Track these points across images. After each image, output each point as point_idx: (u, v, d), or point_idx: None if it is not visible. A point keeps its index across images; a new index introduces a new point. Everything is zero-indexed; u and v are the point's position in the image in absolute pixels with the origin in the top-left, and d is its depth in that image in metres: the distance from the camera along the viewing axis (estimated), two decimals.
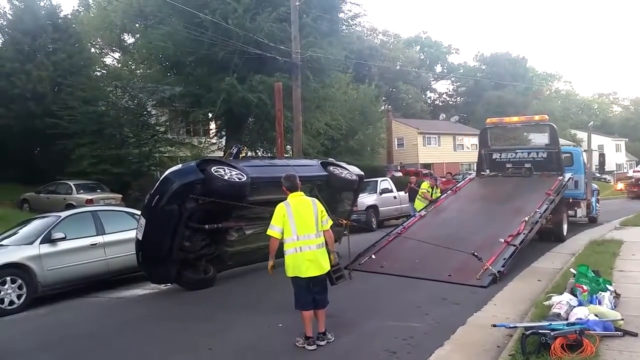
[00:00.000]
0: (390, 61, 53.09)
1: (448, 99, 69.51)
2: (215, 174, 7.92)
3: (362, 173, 11.54)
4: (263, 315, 6.57)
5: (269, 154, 23.47)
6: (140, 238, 8.10)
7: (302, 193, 5.54)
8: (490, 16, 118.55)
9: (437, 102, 69.18)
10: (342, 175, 10.31)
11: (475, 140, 33.11)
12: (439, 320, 5.97)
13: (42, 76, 22.51)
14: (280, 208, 5.34)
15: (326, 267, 5.35)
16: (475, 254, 8.06)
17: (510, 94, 55.50)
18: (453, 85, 67.73)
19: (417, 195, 14.06)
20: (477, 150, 14.64)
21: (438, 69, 67.58)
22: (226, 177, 7.99)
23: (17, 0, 25.06)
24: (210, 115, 24.48)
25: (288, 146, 22.46)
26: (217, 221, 8.35)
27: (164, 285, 8.93)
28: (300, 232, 5.23)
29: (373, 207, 16.94)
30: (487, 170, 13.77)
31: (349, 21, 26.52)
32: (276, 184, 9.07)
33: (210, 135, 27.93)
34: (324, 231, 5.36)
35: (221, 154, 24.71)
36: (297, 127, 18.31)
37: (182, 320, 6.74)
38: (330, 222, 5.50)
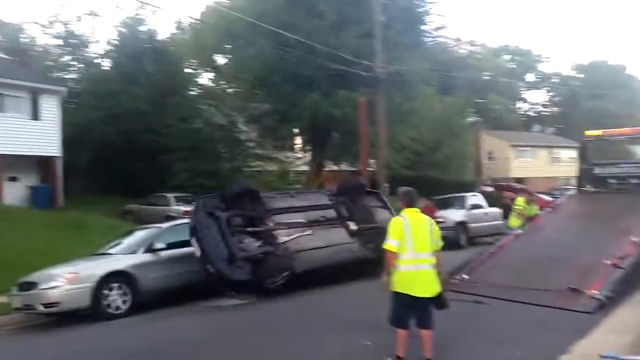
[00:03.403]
0: (478, 71, 51.36)
1: (542, 109, 65.90)
2: None
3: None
4: (352, 332, 6.51)
5: (353, 169, 23.53)
6: (199, 254, 8.85)
7: (418, 210, 5.34)
8: (578, 24, 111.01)
9: (529, 112, 65.80)
10: None
11: (573, 153, 31.08)
12: (539, 348, 5.60)
13: (143, 96, 24.33)
14: (398, 222, 5.13)
15: (437, 289, 5.11)
16: (573, 286, 7.47)
17: (611, 104, 51.46)
18: (547, 95, 64.17)
19: (512, 212, 13.34)
20: (577, 164, 13.69)
21: (529, 78, 64.35)
22: None
23: (122, 27, 27.44)
24: (296, 130, 25.04)
25: (372, 160, 22.39)
26: (256, 225, 9.63)
27: (253, 295, 9.17)
28: (417, 249, 5.03)
29: (462, 224, 16.39)
30: (588, 186, 12.81)
31: (433, 33, 26.15)
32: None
33: (296, 150, 28.58)
34: (435, 252, 5.18)
35: (306, 168, 25.22)
36: (381, 141, 18.21)
37: (271, 333, 6.89)
38: (442, 243, 5.31)
